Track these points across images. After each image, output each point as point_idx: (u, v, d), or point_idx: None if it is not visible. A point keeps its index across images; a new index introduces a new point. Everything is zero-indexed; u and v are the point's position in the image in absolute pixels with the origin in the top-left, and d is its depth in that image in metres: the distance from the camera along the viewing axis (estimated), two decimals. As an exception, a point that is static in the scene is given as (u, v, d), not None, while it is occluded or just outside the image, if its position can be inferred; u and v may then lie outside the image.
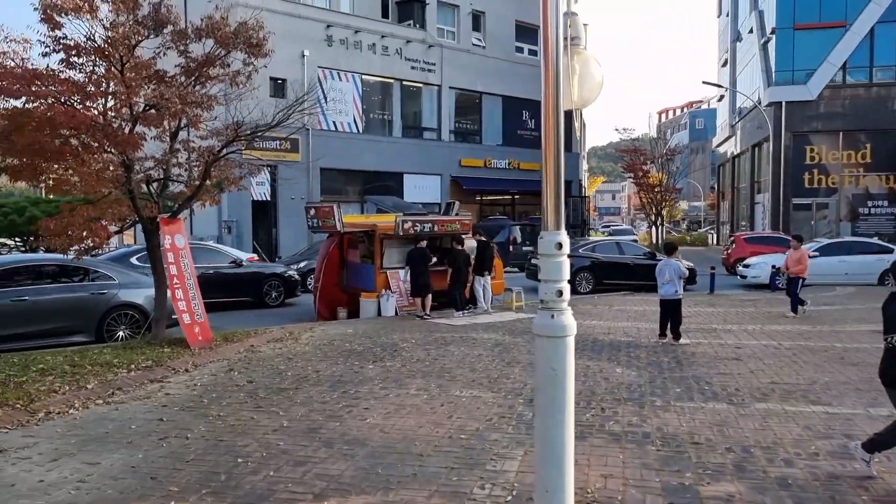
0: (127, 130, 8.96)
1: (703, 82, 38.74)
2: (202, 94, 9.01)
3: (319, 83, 30.95)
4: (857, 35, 30.88)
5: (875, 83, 30.92)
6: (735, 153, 42.73)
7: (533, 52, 39.25)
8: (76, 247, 9.80)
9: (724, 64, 46.04)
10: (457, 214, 15.80)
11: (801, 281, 14.14)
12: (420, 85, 34.64)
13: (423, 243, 14.14)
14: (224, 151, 10.26)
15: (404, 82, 33.92)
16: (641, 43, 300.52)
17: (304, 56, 29.92)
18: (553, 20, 3.76)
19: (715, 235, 49.81)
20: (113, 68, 8.73)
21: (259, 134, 10.77)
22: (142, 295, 11.64)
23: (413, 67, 33.89)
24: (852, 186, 31.79)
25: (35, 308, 10.77)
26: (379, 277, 14.67)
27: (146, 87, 8.83)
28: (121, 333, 11.58)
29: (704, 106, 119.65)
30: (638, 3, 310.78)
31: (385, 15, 34.69)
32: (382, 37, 32.47)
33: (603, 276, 20.21)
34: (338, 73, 31.56)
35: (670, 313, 11.00)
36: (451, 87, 35.52)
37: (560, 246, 3.83)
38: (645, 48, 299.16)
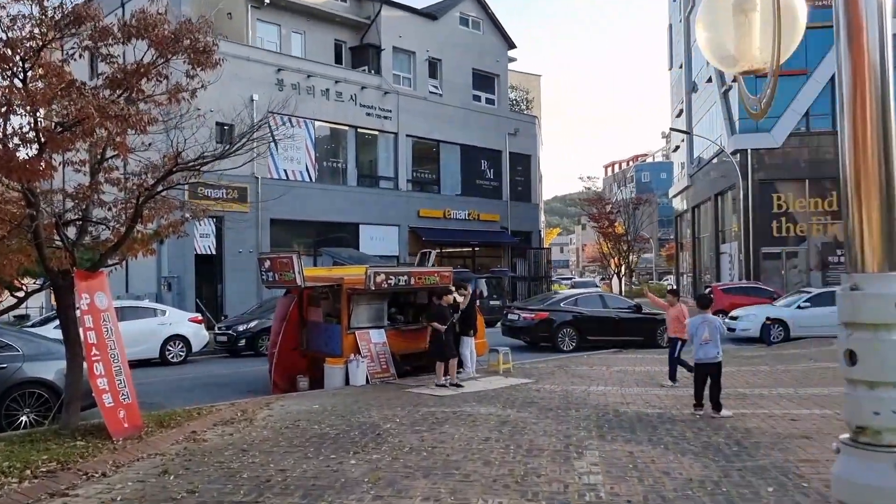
0: (28, 155, 6.80)
1: (671, 129, 38.23)
2: (129, 109, 6.90)
3: (269, 129, 29.04)
4: (818, 83, 30.66)
5: (837, 130, 30.53)
6: (695, 203, 42.14)
7: (490, 101, 38.26)
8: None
9: (679, 115, 45.89)
10: (433, 265, 13.87)
11: (680, 343, 11.76)
12: (376, 132, 33.04)
13: (445, 300, 12.23)
14: (160, 187, 8.15)
15: (359, 129, 32.27)
16: (590, 95, 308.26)
17: (252, 100, 27.97)
18: None
19: (675, 285, 48.90)
20: (13, 75, 6.64)
21: (204, 165, 8.68)
22: (53, 369, 9.28)
23: (368, 114, 32.31)
24: (821, 235, 31.14)
25: None
26: (346, 339, 12.55)
27: (57, 100, 6.71)
28: (24, 418, 9.15)
29: (650, 159, 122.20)
30: (586, 57, 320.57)
31: (339, 60, 33.21)
32: (336, 82, 30.86)
33: (587, 332, 18.45)
34: (289, 119, 29.64)
35: (710, 379, 9.18)
36: (408, 135, 34.02)
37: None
38: (594, 100, 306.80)
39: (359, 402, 10.53)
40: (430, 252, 14.09)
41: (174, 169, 7.98)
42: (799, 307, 19.92)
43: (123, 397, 8.26)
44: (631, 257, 37.23)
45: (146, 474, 6.71)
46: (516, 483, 6.18)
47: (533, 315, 18.33)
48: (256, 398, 11.33)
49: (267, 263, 12.59)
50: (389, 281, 12.34)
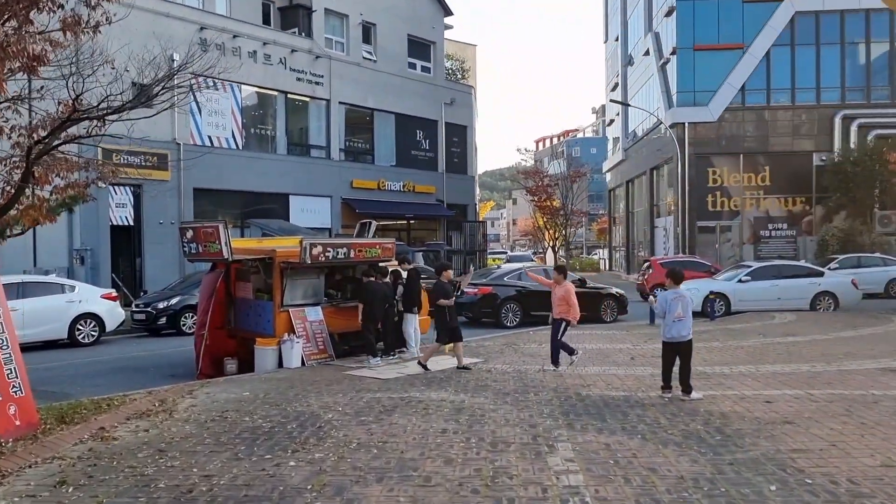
0: None
1: (611, 100, 37.81)
2: (10, 37, 5.55)
3: (192, 91, 27.12)
4: (754, 58, 30.81)
5: (772, 106, 30.90)
6: (629, 178, 42.24)
7: (426, 70, 37.07)
8: None
9: (614, 88, 45.81)
10: (374, 237, 12.84)
11: (564, 325, 10.73)
12: (307, 98, 31.44)
13: (445, 276, 11.09)
14: (55, 141, 6.82)
15: (289, 95, 30.63)
16: (520, 68, 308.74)
17: (173, 61, 25.99)
18: None
19: (607, 261, 49.27)
20: None
21: (110, 115, 7.36)
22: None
23: (299, 79, 30.66)
24: (754, 209, 31.51)
25: None
26: (279, 318, 11.42)
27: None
28: None
29: (580, 135, 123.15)
30: (520, 27, 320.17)
31: (266, 21, 31.31)
32: (264, 44, 29.08)
33: (531, 308, 17.80)
34: (213, 82, 27.77)
35: (680, 359, 8.54)
36: (340, 103, 32.54)
37: None
38: (524, 73, 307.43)
39: (294, 388, 9.48)
40: (370, 222, 13.03)
41: (72, 117, 6.65)
42: (740, 281, 19.80)
43: (14, 390, 6.98)
44: (568, 231, 36.89)
45: (38, 486, 5.54)
46: (486, 487, 5.32)
47: (475, 290, 17.54)
48: (178, 385, 10.11)
49: (189, 233, 11.28)
50: (327, 253, 11.25)
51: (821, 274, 20.07)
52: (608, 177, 49.91)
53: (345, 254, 11.52)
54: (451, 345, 11.09)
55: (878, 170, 27.59)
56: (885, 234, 29.07)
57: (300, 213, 30.26)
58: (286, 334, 11.29)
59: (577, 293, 18.58)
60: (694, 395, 8.41)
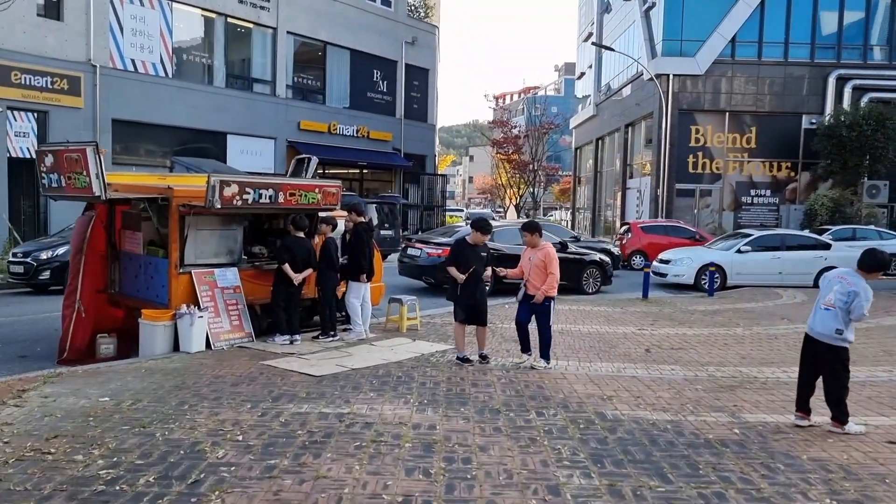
0: None
1: (592, 43, 34.57)
2: None
3: (112, 5, 23.14)
4: (748, 6, 28.06)
5: (763, 61, 28.31)
6: (599, 135, 39.50)
7: (386, 2, 33.37)
8: None
9: (587, 38, 42.70)
10: (315, 177, 9.73)
11: (551, 303, 7.77)
12: (250, 25, 27.62)
13: (475, 237, 7.98)
14: None
15: (230, 19, 26.79)
16: (482, 21, 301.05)
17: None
18: None
19: (569, 222, 46.75)
20: None
21: None
22: None
23: (242, 1, 26.81)
24: (737, 173, 29.12)
25: None
26: (177, 282, 8.30)
27: None
28: None
29: (542, 92, 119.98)
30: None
31: (206, -70, 27.20)
32: (202, -45, 25.13)
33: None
34: (138, -5, 23.89)
35: (824, 370, 5.66)
36: (289, 32, 28.80)
37: None
38: (486, 26, 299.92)
39: (182, 390, 6.44)
40: (308, 158, 9.87)
41: None
42: (738, 251, 17.31)
43: None
44: (537, 189, 34.07)
45: None
46: None
47: (440, 251, 14.57)
48: (8, 379, 6.94)
49: (49, 160, 7.98)
50: (245, 196, 8.11)
51: (828, 246, 17.71)
52: (574, 134, 47.15)
53: (270, 197, 8.39)
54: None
55: (873, 136, 25.39)
56: (874, 206, 27.06)
57: (239, 155, 26.73)
58: (185, 305, 8.18)
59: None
60: (852, 426, 5.62)
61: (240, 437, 5.13)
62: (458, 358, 7.99)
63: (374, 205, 23.90)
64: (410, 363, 7.85)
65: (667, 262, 17.73)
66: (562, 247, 16.00)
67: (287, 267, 8.60)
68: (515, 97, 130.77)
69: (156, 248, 8.65)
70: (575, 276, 15.92)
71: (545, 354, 7.83)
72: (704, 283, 16.91)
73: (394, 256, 20.10)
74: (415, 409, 5.99)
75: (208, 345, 8.28)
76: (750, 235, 17.91)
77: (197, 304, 8.31)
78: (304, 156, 10.06)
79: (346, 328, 9.52)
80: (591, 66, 42.25)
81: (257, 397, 6.25)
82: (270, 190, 8.42)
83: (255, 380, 6.90)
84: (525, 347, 7.96)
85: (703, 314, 12.39)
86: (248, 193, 8.17)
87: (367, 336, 9.33)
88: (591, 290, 16.07)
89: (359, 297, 9.34)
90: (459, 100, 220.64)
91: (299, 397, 6.29)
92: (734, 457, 4.98)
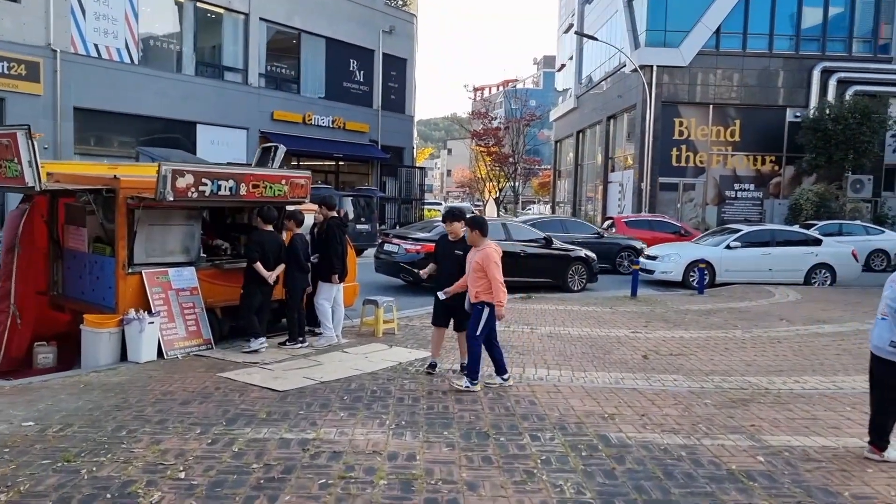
0: None
1: (576, 32, 33.65)
2: None
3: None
4: (732, -4, 27.53)
5: (748, 53, 27.78)
6: (580, 127, 38.86)
7: (364, -11, 32.42)
8: None
9: (568, 30, 42.04)
10: (283, 167, 8.87)
11: (487, 312, 6.55)
12: (221, 10, 26.59)
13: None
14: None
15: (200, 4, 25.80)
16: (460, 13, 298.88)
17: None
18: None
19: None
20: None
21: None
22: None
23: (212, -15, 25.79)
24: (720, 167, 28.61)
25: None
26: (125, 284, 7.41)
27: None
28: None
29: (520, 85, 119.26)
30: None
31: (173, -89, 26.04)
32: (169, -64, 24.02)
33: (486, 272, 14.19)
34: (100, -24, 22.75)
35: (879, 392, 4.92)
36: (262, 19, 27.80)
37: None
38: (464, 19, 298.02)
39: (123, 411, 5.59)
40: (275, 147, 9.00)
41: None
42: (728, 247, 16.71)
43: None
44: (517, 182, 33.28)
45: None
46: None
47: (419, 247, 13.75)
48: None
49: (-25, 146, 7.05)
50: (202, 188, 7.24)
51: (818, 242, 17.17)
52: (554, 127, 46.49)
53: (231, 189, 7.52)
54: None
55: (858, 129, 24.98)
56: (858, 200, 26.71)
57: (209, 146, 25.70)
58: (134, 310, 7.30)
59: (540, 256, 15.44)
60: (892, 454, 4.91)
61: (182, 474, 4.30)
62: (431, 365, 7.19)
63: (350, 198, 23.03)
64: (386, 374, 7.05)
65: (654, 258, 17.07)
66: (547, 242, 15.31)
67: (259, 266, 7.77)
68: (494, 90, 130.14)
69: (102, 246, 7.75)
70: (560, 273, 15.23)
71: (469, 370, 6.60)
72: (693, 281, 16.30)
73: (370, 252, 19.27)
74: (391, 433, 5.20)
75: (161, 353, 7.42)
76: (739, 231, 17.31)
77: (148, 308, 7.43)
78: (270, 144, 9.19)
79: (312, 331, 8.71)
80: (571, 58, 41.57)
81: (209, 419, 5.42)
82: (231, 181, 7.55)
83: (209, 396, 6.06)
84: (499, 369, 6.88)
85: (697, 314, 11.72)
86: (206, 185, 7.30)
87: (339, 342, 8.52)
88: (576, 288, 15.37)
89: (329, 298, 8.53)
90: (437, 93, 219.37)
91: (258, 419, 5.47)
92: (765, 493, 4.25)
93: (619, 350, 8.62)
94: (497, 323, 6.68)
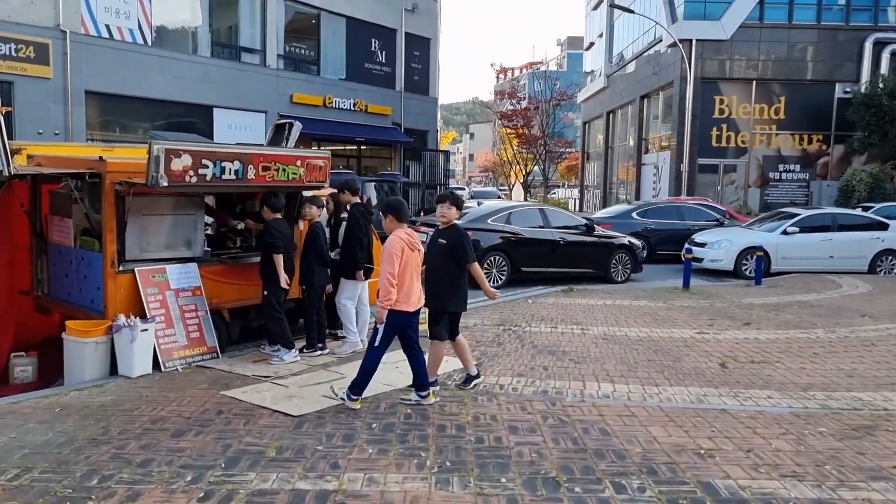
0: None
1: (610, 5, 31.81)
2: None
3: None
4: (778, -39, 25.84)
5: (794, 24, 26.11)
6: (611, 108, 37.30)
7: (386, -35, 31.12)
8: None
9: (597, 6, 40.38)
10: (297, 146, 7.72)
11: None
12: (237, -11, 25.50)
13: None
14: None
15: (215, -18, 24.66)
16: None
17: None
18: None
19: (577, 201, 44.64)
20: None
21: None
22: None
23: (227, -38, 24.70)
24: (763, 147, 27.01)
25: None
26: (114, 284, 6.33)
27: None
28: None
29: (543, 67, 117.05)
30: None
31: None
32: (182, -90, 22.91)
33: (522, 261, 13.02)
34: (111, -48, 21.73)
35: None
36: (280, -3, 26.66)
37: None
38: (490, 3, 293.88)
39: (101, 446, 4.50)
40: (290, 124, 7.86)
41: None
42: (784, 233, 15.32)
43: None
44: (547, 165, 31.88)
45: None
46: None
47: (450, 236, 12.56)
48: None
49: (-62, 124, 5.98)
50: (202, 171, 6.11)
51: (884, 227, 15.71)
52: (582, 108, 44.89)
53: (237, 172, 6.38)
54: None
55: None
56: (913, 182, 25.03)
57: (227, 131, 24.67)
58: (124, 315, 6.21)
59: (580, 244, 14.16)
60: None
61: (159, 553, 3.19)
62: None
63: (373, 184, 21.85)
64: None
65: (701, 244, 15.73)
66: (588, 229, 14.07)
67: (280, 259, 6.69)
68: (517, 72, 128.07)
69: (90, 240, 6.67)
70: (603, 263, 13.98)
71: (352, 385, 5.46)
72: (746, 270, 14.99)
73: (395, 240, 18.15)
74: (434, 481, 4.05)
75: (157, 365, 6.35)
76: (796, 215, 15.88)
77: (143, 312, 6.35)
78: (284, 121, 8.03)
79: (335, 334, 7.62)
80: (601, 36, 39.93)
81: (205, 458, 4.32)
82: (237, 162, 6.41)
83: (208, 425, 4.96)
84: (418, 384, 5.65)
85: (764, 310, 10.42)
86: (206, 167, 6.17)
87: (363, 347, 7.40)
88: (620, 279, 14.12)
89: (354, 297, 7.40)
90: (458, 77, 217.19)
91: (266, 458, 4.35)
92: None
93: (689, 356, 7.39)
94: (415, 328, 5.59)
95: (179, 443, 4.59)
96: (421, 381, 5.57)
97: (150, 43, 22.65)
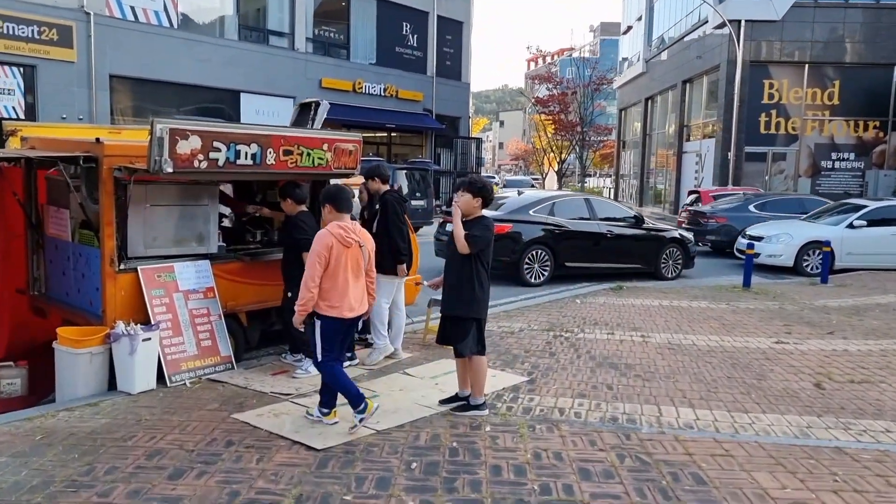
0: None
1: None
2: None
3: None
4: (834, -62, 24.28)
5: (850, 3, 24.58)
6: (649, 94, 35.87)
7: (418, -57, 30.12)
8: None
9: (635, -11, 38.90)
10: (320, 127, 6.81)
11: (319, 323, 4.77)
12: (265, -31, 24.73)
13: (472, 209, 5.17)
14: None
15: (241, -39, 23.92)
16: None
17: None
18: None
19: (613, 190, 43.30)
20: None
21: None
22: None
23: (255, -57, 23.92)
24: (815, 134, 25.54)
25: None
26: (114, 285, 5.50)
27: None
28: None
29: (576, 54, 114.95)
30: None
31: None
32: None
33: (566, 256, 12.03)
34: (135, -69, 21.08)
35: None
36: (309, -22, 25.84)
37: None
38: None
39: (78, 492, 3.65)
40: (316, 103, 6.96)
41: None
42: (851, 226, 14.11)
43: None
44: (585, 153, 30.68)
45: None
46: None
47: (488, 227, 11.61)
48: None
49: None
50: (213, 154, 5.23)
51: (960, 220, 14.42)
52: (618, 94, 43.44)
53: (254, 156, 5.50)
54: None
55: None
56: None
57: (254, 116, 24.01)
58: (123, 322, 5.38)
59: (629, 237, 13.11)
60: None
61: None
62: (475, 406, 5.08)
63: (404, 171, 20.95)
64: (467, 416, 4.99)
65: (758, 238, 14.56)
66: (637, 221, 13.02)
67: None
68: (549, 59, 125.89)
69: (89, 234, 5.85)
70: (652, 258, 12.93)
71: (320, 403, 4.84)
72: (807, 266, 13.84)
73: (426, 230, 17.32)
74: (494, 555, 3.13)
75: (163, 379, 5.52)
76: (864, 207, 14.63)
77: (146, 317, 5.52)
78: (310, 100, 7.13)
79: (365, 338, 6.75)
80: (639, 19, 38.45)
81: (205, 513, 3.45)
82: (254, 145, 5.52)
83: (214, 461, 4.10)
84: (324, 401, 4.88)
85: (842, 314, 9.32)
86: (219, 151, 5.29)
87: (398, 356, 6.51)
88: (671, 275, 13.06)
89: (389, 296, 6.51)
90: (488, 64, 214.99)
91: (281, 513, 3.48)
92: None
93: (774, 372, 6.37)
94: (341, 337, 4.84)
95: (177, 489, 3.73)
96: (323, 397, 4.82)
97: (176, 26, 22.01)
